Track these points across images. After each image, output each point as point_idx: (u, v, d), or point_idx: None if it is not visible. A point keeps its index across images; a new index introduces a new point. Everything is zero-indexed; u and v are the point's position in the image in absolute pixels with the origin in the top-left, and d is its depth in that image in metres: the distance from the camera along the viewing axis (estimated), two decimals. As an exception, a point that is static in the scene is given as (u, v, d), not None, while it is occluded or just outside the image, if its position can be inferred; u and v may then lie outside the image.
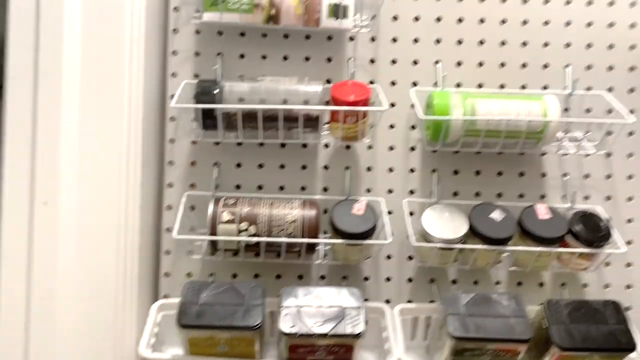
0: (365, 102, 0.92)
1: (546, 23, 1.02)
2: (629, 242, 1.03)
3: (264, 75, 0.97)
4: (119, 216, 0.89)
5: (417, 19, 1.02)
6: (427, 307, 0.99)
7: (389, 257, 1.04)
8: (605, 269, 1.04)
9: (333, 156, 1.03)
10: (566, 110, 1.02)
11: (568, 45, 1.03)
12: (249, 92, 0.93)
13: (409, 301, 1.04)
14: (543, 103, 0.94)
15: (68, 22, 0.79)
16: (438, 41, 1.02)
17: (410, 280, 1.04)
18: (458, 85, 1.03)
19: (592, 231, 0.93)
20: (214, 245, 0.94)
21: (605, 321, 0.89)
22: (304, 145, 1.03)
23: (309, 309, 0.87)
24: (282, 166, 1.03)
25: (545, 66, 1.03)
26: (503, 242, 0.93)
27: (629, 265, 1.05)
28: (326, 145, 1.03)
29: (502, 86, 1.03)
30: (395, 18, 1.02)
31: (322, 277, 1.04)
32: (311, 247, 0.94)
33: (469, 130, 0.94)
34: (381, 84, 1.01)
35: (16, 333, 0.77)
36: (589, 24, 1.03)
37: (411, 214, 0.99)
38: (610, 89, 1.03)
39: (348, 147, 1.03)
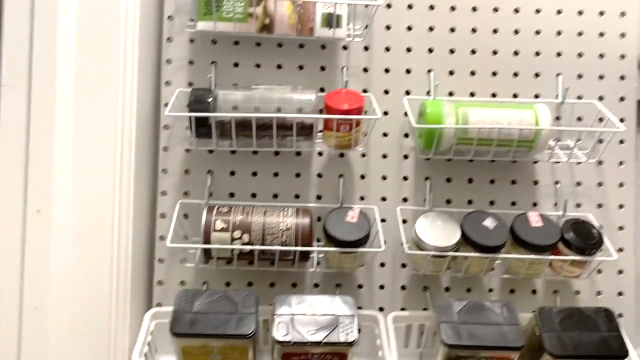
0: (358, 111, 0.93)
1: (537, 32, 1.03)
2: (620, 250, 1.04)
3: (258, 84, 0.97)
4: (112, 224, 0.89)
5: (409, 28, 1.03)
6: (420, 315, 0.99)
7: (382, 264, 1.04)
8: (597, 277, 1.04)
9: (327, 164, 1.04)
10: (557, 118, 1.03)
11: (559, 54, 1.04)
12: (242, 100, 0.93)
13: (403, 309, 1.04)
14: (534, 111, 0.95)
15: (62, 31, 0.79)
16: (431, 50, 1.03)
17: (403, 287, 1.04)
18: (450, 94, 1.03)
19: (583, 239, 0.94)
20: (207, 253, 0.94)
21: (598, 328, 0.90)
22: (298, 154, 1.03)
23: (303, 317, 0.87)
24: (275, 174, 1.03)
25: (537, 75, 1.04)
26: (495, 249, 0.93)
27: (620, 272, 1.05)
28: (320, 153, 1.03)
29: (494, 95, 1.04)
30: (388, 27, 1.03)
31: (316, 285, 1.04)
32: (305, 255, 0.94)
33: (461, 138, 0.94)
34: (374, 92, 1.01)
35: (9, 341, 0.76)
36: (580, 34, 1.04)
37: (404, 221, 1.00)
38: (601, 98, 1.04)
39: (342, 155, 1.03)
